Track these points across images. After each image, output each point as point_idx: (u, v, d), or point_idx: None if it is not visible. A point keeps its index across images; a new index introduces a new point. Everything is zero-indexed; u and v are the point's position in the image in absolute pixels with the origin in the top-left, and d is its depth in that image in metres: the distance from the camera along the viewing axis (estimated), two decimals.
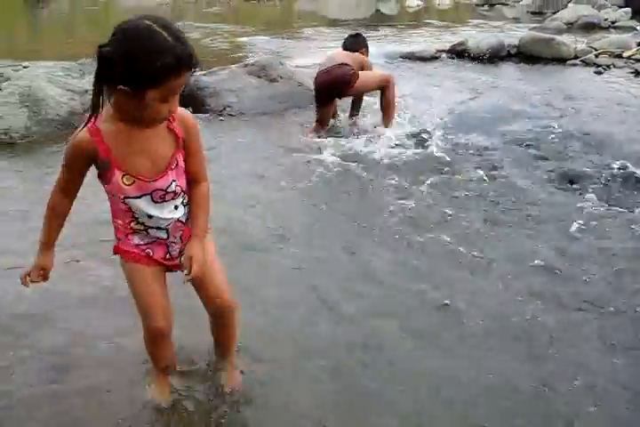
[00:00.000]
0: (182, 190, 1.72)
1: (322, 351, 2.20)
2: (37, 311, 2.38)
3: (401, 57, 7.31)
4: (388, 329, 2.32)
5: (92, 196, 1.95)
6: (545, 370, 2.09)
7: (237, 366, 2.08)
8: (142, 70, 1.43)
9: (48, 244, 1.73)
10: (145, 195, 1.65)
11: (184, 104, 1.71)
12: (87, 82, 4.98)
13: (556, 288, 2.58)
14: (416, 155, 4.14)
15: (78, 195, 1.70)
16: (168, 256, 1.78)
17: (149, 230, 1.72)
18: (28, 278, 1.71)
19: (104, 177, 1.63)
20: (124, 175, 1.62)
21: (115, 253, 1.78)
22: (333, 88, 4.49)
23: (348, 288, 2.58)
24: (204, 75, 5.53)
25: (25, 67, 5.59)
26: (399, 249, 2.93)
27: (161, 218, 1.71)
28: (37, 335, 2.26)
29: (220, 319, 1.97)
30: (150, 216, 1.69)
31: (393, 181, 3.70)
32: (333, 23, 10.91)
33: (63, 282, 2.47)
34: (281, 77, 5.58)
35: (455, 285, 2.61)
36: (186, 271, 1.67)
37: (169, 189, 1.67)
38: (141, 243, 1.74)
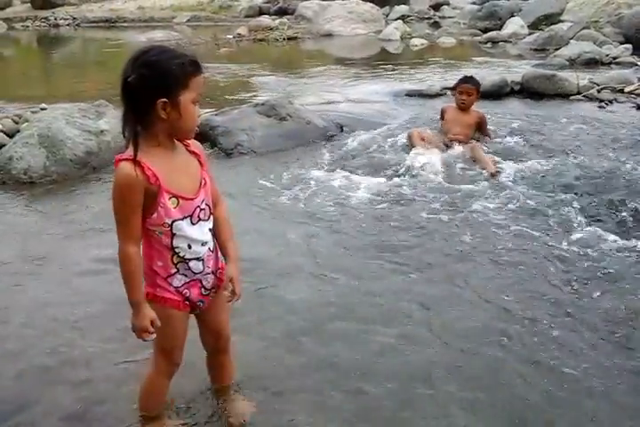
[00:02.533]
0: (210, 212, 1.84)
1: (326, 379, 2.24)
2: None
3: (407, 94, 7.48)
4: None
5: None
6: None
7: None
8: (168, 74, 1.63)
9: (143, 300, 1.75)
10: (186, 217, 1.76)
11: None
12: (103, 122, 5.15)
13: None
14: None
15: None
16: (204, 291, 1.87)
17: (190, 263, 1.80)
18: (149, 335, 1.76)
19: (150, 208, 1.71)
20: (170, 198, 1.71)
21: (149, 300, 1.81)
22: None
23: None
24: (216, 114, 5.70)
25: (43, 109, 5.79)
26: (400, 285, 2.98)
27: (199, 241, 1.79)
28: None
29: (222, 352, 2.08)
30: (190, 246, 1.78)
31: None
32: (340, 62, 11.16)
33: None
34: (290, 116, 5.74)
35: None
36: (228, 292, 1.84)
37: (202, 206, 1.79)
38: (180, 284, 1.81)
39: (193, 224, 1.78)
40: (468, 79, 5.23)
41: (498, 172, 4.49)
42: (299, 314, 2.77)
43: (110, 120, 5.19)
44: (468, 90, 5.11)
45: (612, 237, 3.49)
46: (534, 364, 2.41)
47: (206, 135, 5.27)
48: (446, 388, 2.27)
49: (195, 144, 1.86)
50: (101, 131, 5.05)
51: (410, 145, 5.00)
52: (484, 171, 4.54)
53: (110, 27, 19.58)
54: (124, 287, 1.75)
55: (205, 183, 1.82)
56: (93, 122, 5.15)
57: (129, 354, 2.44)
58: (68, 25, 19.85)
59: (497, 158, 4.77)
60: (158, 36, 13.76)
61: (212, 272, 1.88)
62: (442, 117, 5.30)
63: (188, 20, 19.93)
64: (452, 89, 5.45)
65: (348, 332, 2.63)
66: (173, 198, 1.72)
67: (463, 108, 5.15)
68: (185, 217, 1.75)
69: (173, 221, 1.73)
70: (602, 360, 2.42)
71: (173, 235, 1.75)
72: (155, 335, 1.76)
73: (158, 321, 1.75)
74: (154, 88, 1.63)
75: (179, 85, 1.65)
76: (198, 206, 1.78)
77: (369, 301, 2.90)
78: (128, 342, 2.33)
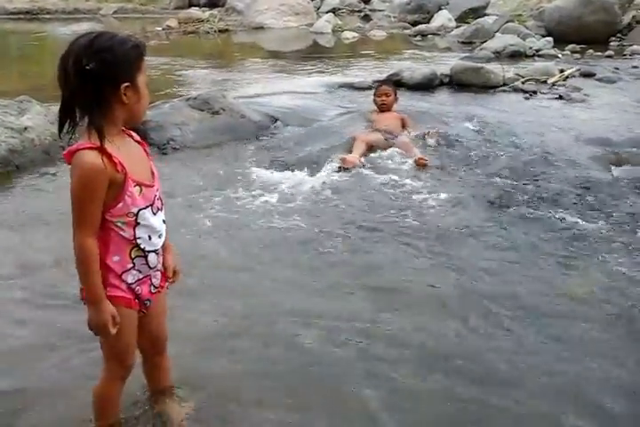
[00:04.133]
0: (162, 202, 1.84)
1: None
2: None
3: (340, 87, 7.53)
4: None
5: None
6: None
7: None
8: (128, 57, 1.64)
9: (104, 295, 1.70)
10: (148, 206, 1.74)
11: None
12: (26, 119, 4.95)
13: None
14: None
15: None
16: (152, 289, 1.86)
17: (148, 256, 1.78)
18: (113, 329, 1.71)
19: (115, 197, 1.66)
20: (135, 185, 1.69)
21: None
22: None
23: None
24: (147, 109, 5.57)
25: None
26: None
27: (158, 232, 1.79)
28: None
29: (159, 354, 2.05)
30: (150, 237, 1.76)
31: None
32: (272, 55, 11.12)
33: None
34: (223, 110, 5.67)
35: None
36: (171, 280, 1.93)
37: (158, 195, 1.80)
38: (134, 281, 1.78)
39: (154, 214, 1.77)
40: (383, 82, 6.03)
41: (424, 159, 4.59)
42: (235, 314, 2.76)
43: (34, 116, 4.99)
44: (386, 91, 5.52)
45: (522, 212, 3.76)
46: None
47: (137, 130, 5.10)
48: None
49: (135, 135, 1.85)
50: (25, 128, 4.84)
51: (352, 147, 4.89)
52: (411, 160, 4.66)
53: (32, 19, 18.78)
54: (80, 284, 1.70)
55: (154, 172, 1.82)
56: (16, 118, 4.94)
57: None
58: None
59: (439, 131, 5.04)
60: (83, 28, 13.21)
61: (159, 269, 1.87)
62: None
63: (115, 12, 19.36)
64: (373, 94, 5.67)
65: (284, 330, 2.64)
66: (137, 186, 1.70)
67: (384, 109, 5.47)
68: (147, 206, 1.74)
69: (139, 210, 1.71)
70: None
71: (137, 224, 1.72)
72: (115, 330, 1.72)
73: (118, 317, 1.72)
74: (117, 72, 1.61)
75: (136, 68, 1.67)
76: (155, 195, 1.78)
77: (300, 295, 2.91)
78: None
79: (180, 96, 6.20)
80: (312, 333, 2.58)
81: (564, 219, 3.68)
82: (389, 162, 4.70)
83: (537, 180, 4.27)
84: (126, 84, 1.63)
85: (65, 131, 1.67)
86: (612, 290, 2.91)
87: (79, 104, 1.63)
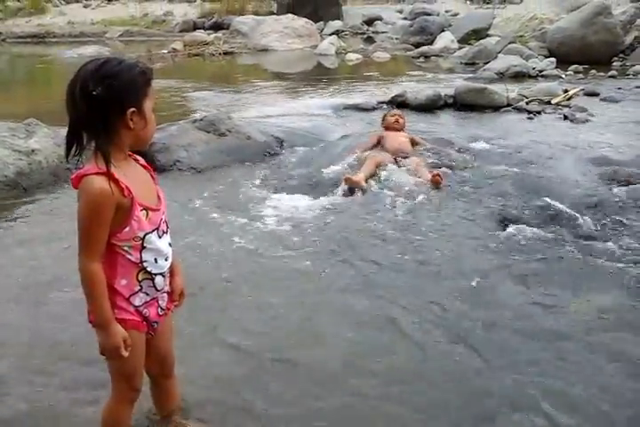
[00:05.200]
0: (168, 226, 1.85)
1: None
2: None
3: (345, 108, 7.58)
4: None
5: None
6: None
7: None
8: (134, 83, 1.65)
9: (113, 317, 1.70)
10: (155, 229, 1.75)
11: None
12: (34, 142, 4.98)
13: None
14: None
15: None
16: (160, 311, 1.86)
17: (155, 279, 1.78)
18: (125, 351, 1.71)
19: (121, 222, 1.67)
20: (142, 210, 1.70)
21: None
22: None
23: None
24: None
25: None
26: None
27: (165, 255, 1.80)
28: None
29: (168, 377, 2.04)
30: (156, 260, 1.76)
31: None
32: (277, 76, 11.22)
33: None
34: (229, 131, 5.71)
35: None
36: (176, 303, 1.94)
37: (164, 218, 1.81)
38: (141, 304, 1.77)
39: (160, 237, 1.77)
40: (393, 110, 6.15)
41: (439, 177, 4.54)
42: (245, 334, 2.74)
43: (41, 139, 5.02)
44: (399, 113, 5.70)
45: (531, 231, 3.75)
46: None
47: (143, 152, 5.14)
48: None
49: (141, 159, 1.86)
50: (32, 150, 4.87)
51: (360, 166, 4.88)
52: (426, 181, 4.61)
53: (39, 42, 19.04)
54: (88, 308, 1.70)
55: (160, 197, 1.83)
56: (24, 141, 4.97)
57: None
58: None
59: (446, 170, 4.86)
60: (89, 51, 13.41)
61: (167, 291, 1.87)
62: (378, 143, 5.37)
63: (121, 35, 19.61)
64: (383, 120, 5.72)
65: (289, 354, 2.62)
66: (144, 211, 1.71)
67: (398, 128, 5.50)
68: (153, 230, 1.74)
69: (145, 234, 1.72)
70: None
71: (143, 248, 1.72)
72: (127, 353, 1.71)
73: (129, 339, 1.71)
74: (123, 98, 1.63)
75: (142, 94, 1.68)
76: (161, 218, 1.79)
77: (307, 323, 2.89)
78: None
79: (187, 118, 6.25)
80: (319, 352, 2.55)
81: (570, 238, 3.67)
82: (398, 182, 4.67)
83: (542, 199, 4.25)
84: (132, 109, 1.65)
85: (72, 154, 1.67)
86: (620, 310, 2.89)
87: (86, 128, 1.64)
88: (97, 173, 1.61)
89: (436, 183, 4.53)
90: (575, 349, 2.60)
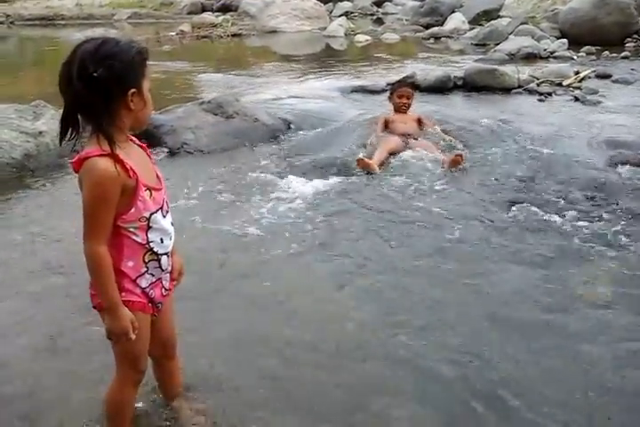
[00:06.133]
0: (168, 205, 1.83)
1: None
2: None
3: (353, 90, 7.52)
4: None
5: None
6: None
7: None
8: (133, 63, 1.62)
9: (120, 300, 1.69)
10: (159, 209, 1.74)
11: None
12: (41, 124, 4.98)
13: None
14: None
15: None
16: (164, 291, 1.86)
17: (161, 259, 1.78)
18: (132, 334, 1.71)
19: (127, 203, 1.66)
20: (146, 190, 1.69)
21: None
22: None
23: None
24: (161, 113, 5.58)
25: None
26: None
27: (169, 234, 1.80)
28: None
29: (170, 358, 2.05)
30: (162, 240, 1.76)
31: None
32: (285, 59, 11.14)
33: None
34: (237, 114, 5.67)
35: None
36: (175, 282, 1.93)
37: (165, 198, 1.80)
38: (147, 285, 1.77)
39: (164, 217, 1.77)
40: (404, 83, 5.50)
41: (459, 161, 4.48)
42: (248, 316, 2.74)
43: (49, 121, 5.02)
44: (407, 93, 5.27)
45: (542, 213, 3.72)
46: None
47: (151, 134, 5.13)
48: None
49: (136, 139, 1.83)
50: (40, 132, 4.87)
51: (373, 150, 4.83)
52: (440, 162, 4.58)
53: (47, 24, 19.00)
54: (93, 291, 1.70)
55: (159, 176, 1.81)
56: (31, 123, 4.97)
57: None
58: (1, 23, 19.14)
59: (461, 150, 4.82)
60: (97, 33, 13.38)
61: (169, 271, 1.87)
62: (385, 126, 5.25)
63: (129, 17, 19.53)
64: (390, 94, 5.46)
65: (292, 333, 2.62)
66: (147, 191, 1.70)
67: (404, 111, 5.28)
68: (157, 209, 1.74)
69: (151, 214, 1.71)
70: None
71: (149, 228, 1.71)
72: (135, 336, 1.71)
73: (136, 322, 1.71)
74: (124, 79, 1.60)
75: (141, 74, 1.65)
76: (163, 198, 1.78)
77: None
78: None
79: (194, 100, 6.21)
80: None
81: (580, 222, 3.64)
82: (409, 165, 4.64)
83: (553, 182, 4.21)
84: (133, 90, 1.62)
85: (67, 138, 1.64)
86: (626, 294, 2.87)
87: (84, 111, 1.60)
88: (101, 155, 1.58)
89: (456, 163, 4.47)
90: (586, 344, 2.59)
